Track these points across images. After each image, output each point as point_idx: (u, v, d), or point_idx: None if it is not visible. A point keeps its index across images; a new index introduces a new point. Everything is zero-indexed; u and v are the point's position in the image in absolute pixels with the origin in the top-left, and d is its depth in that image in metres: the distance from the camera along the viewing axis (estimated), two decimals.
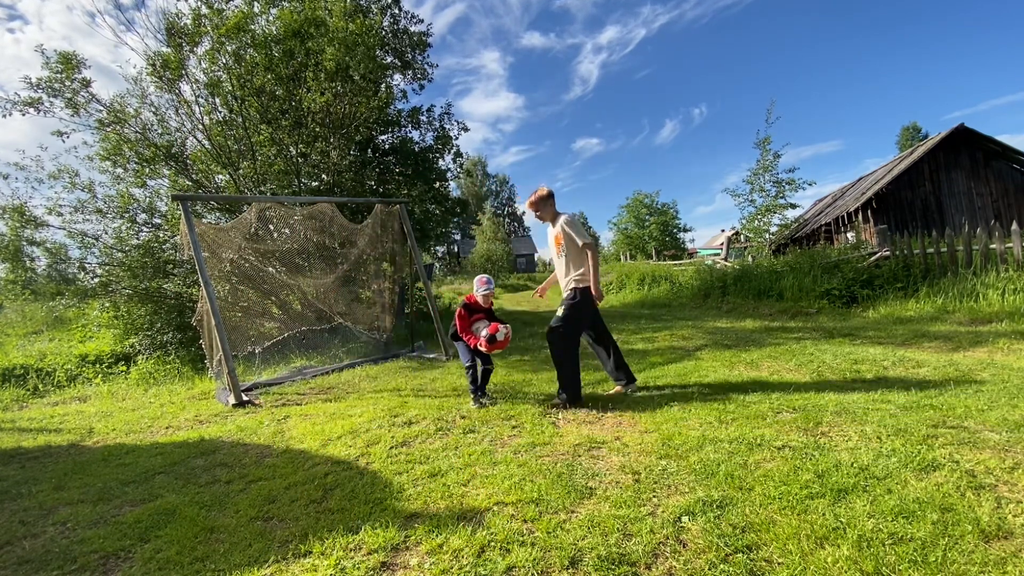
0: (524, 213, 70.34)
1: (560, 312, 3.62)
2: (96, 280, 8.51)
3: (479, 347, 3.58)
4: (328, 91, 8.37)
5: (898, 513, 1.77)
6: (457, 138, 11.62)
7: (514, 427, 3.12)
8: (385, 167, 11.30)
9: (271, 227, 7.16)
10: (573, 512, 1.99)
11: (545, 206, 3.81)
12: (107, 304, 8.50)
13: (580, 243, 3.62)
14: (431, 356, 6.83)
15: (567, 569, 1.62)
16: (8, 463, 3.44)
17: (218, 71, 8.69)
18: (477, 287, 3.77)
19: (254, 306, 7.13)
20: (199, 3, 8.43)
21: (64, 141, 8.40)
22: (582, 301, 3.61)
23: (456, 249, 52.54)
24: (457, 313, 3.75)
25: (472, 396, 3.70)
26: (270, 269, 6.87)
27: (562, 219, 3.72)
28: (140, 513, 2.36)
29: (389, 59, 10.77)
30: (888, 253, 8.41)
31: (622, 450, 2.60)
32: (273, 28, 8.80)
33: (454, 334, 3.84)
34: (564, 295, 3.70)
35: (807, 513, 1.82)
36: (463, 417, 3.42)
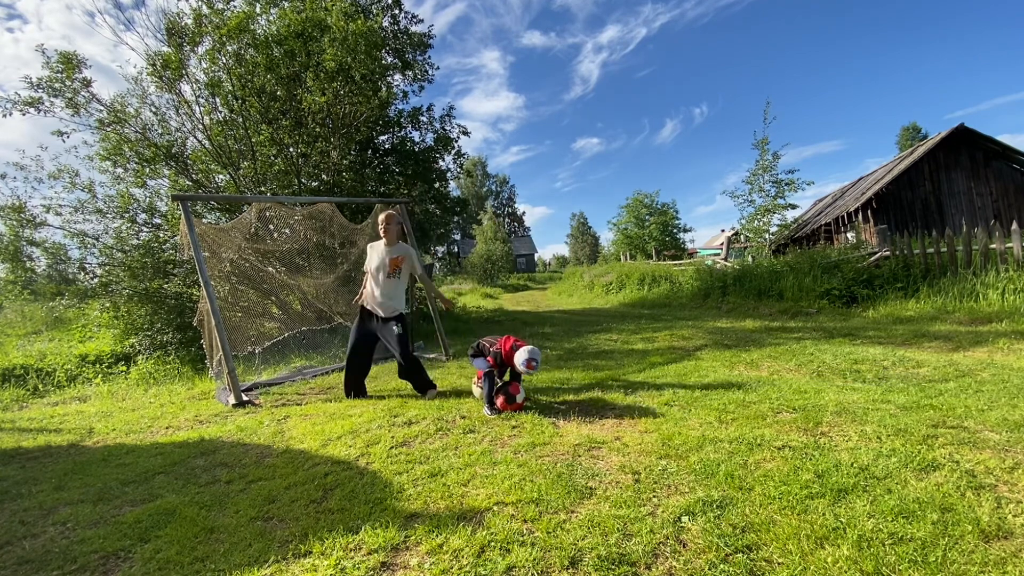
0: (524, 213, 70.42)
1: (399, 331, 4.26)
2: (96, 280, 8.50)
3: (495, 400, 3.51)
4: (328, 91, 8.37)
5: (898, 513, 1.77)
6: (457, 140, 11.63)
7: (514, 427, 3.12)
8: (385, 167, 11.30)
9: (271, 227, 7.16)
10: (573, 512, 1.99)
11: (397, 223, 4.38)
12: (107, 304, 8.48)
13: (419, 271, 4.52)
14: (431, 356, 6.83)
15: (567, 569, 1.62)
16: (8, 463, 3.44)
17: (219, 71, 8.69)
18: (520, 362, 3.41)
19: (254, 306, 7.13)
20: (200, 3, 8.43)
21: (64, 141, 8.39)
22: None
23: (456, 249, 52.56)
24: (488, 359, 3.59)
25: (486, 403, 3.51)
26: (270, 269, 6.87)
27: (409, 248, 4.48)
28: (140, 513, 2.36)
29: (389, 59, 10.77)
30: (888, 253, 8.41)
31: (622, 450, 2.60)
32: (274, 28, 8.80)
33: (474, 354, 3.73)
34: (391, 316, 4.29)
35: (807, 513, 1.82)
36: (463, 417, 3.42)
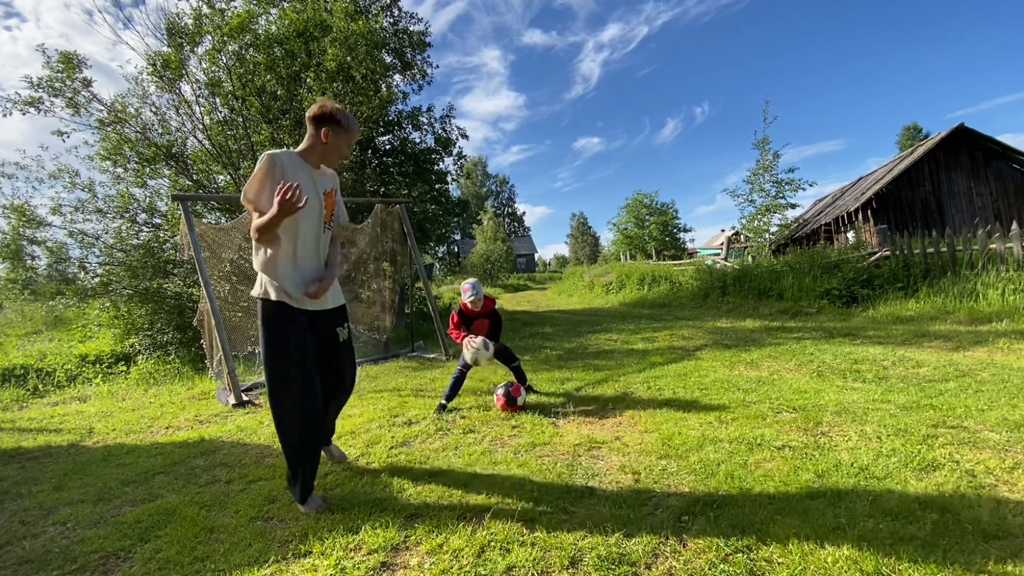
0: (524, 213, 70.32)
1: (346, 337, 2.39)
2: (96, 280, 8.51)
3: (495, 401, 3.55)
4: (329, 91, 8.37)
5: (898, 513, 1.77)
6: (456, 141, 11.63)
7: (514, 427, 3.12)
8: (385, 168, 11.30)
9: None
10: (573, 512, 1.99)
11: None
12: (107, 304, 8.49)
13: (345, 216, 2.46)
14: (431, 356, 6.83)
15: (567, 569, 1.62)
16: (8, 463, 3.44)
17: (219, 71, 8.69)
18: (463, 295, 3.68)
19: (254, 306, 7.12)
20: (200, 3, 8.43)
21: (64, 141, 8.40)
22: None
23: (456, 249, 52.55)
24: (451, 317, 3.72)
25: (441, 402, 3.64)
26: None
27: (336, 176, 2.37)
28: (140, 513, 2.36)
29: (389, 59, 10.77)
30: (888, 253, 8.40)
31: (622, 450, 2.60)
32: (274, 28, 8.80)
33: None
34: (339, 308, 2.36)
35: (807, 513, 1.82)
36: (463, 417, 3.42)
